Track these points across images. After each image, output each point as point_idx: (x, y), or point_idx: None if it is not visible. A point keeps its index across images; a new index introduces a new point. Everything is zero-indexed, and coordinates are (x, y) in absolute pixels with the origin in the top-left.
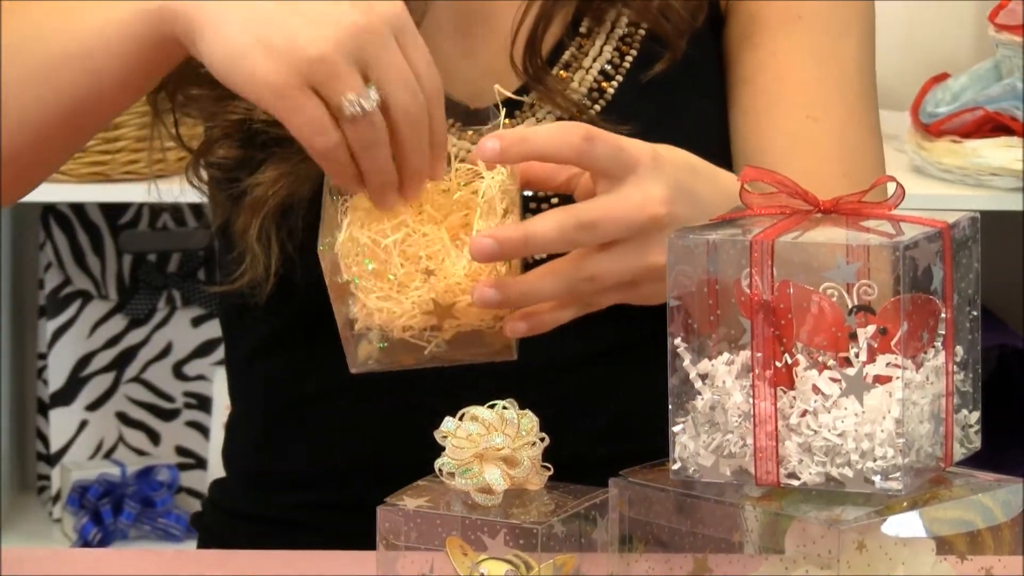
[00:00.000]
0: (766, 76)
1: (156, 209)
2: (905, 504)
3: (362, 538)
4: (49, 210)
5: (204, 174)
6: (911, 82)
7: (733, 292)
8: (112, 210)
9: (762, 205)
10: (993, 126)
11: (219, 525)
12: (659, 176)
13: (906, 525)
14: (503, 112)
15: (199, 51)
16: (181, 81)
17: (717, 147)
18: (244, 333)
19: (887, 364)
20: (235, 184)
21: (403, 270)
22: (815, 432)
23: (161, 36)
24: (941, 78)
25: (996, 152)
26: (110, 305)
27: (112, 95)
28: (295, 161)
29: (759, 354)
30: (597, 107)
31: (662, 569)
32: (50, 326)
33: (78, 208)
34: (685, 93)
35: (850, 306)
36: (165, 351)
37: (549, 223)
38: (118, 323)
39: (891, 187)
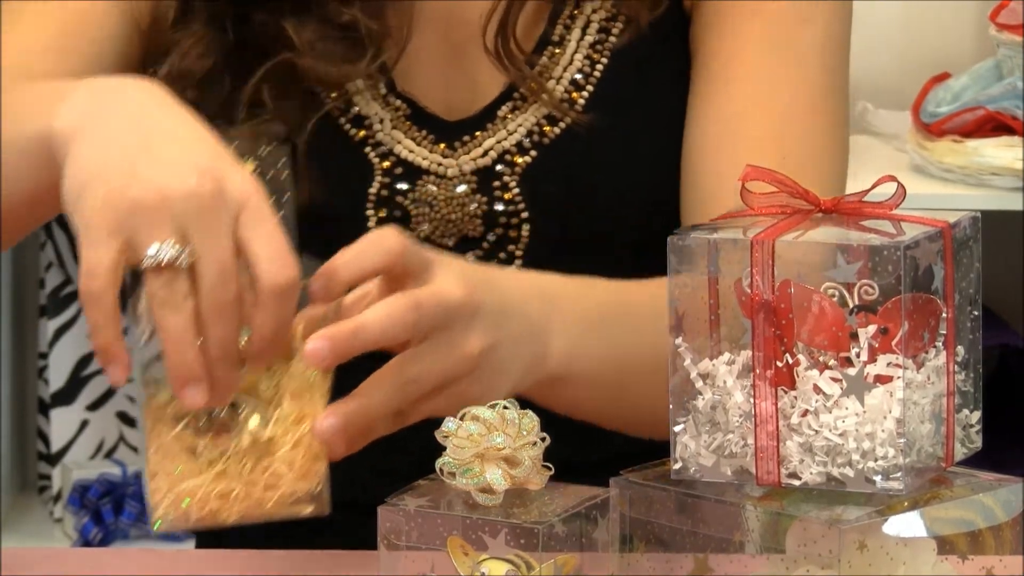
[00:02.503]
0: (716, 63)
1: None
2: (906, 504)
3: (362, 538)
4: None
5: None
6: (912, 82)
7: (734, 292)
8: None
9: (763, 205)
10: (994, 125)
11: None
12: (451, 267)
13: (907, 525)
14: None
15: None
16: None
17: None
18: None
19: (888, 364)
20: None
21: (215, 450)
22: (816, 432)
23: (51, 157)
24: (942, 78)
25: (997, 152)
26: None
27: (29, 199)
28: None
29: (760, 354)
30: (568, 119)
31: (663, 569)
32: (51, 325)
33: None
34: (653, 100)
35: (851, 306)
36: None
37: (380, 310)
38: None
39: (892, 187)
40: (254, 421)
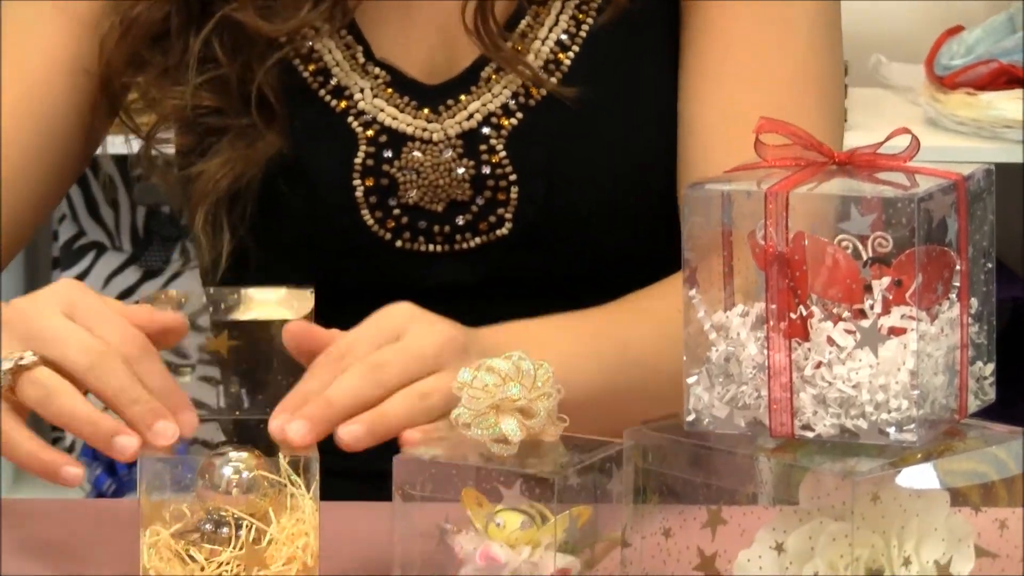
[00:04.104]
0: (709, 40)
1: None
2: (919, 456)
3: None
4: None
5: (164, 163)
6: (926, 35)
7: (748, 244)
8: (126, 162)
9: (777, 157)
10: (1007, 79)
11: None
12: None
13: (920, 477)
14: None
15: None
16: (122, 67)
17: (670, 115)
18: None
19: (902, 316)
20: (188, 168)
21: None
22: (829, 384)
23: None
24: (956, 31)
25: (1010, 104)
26: (124, 256)
27: None
28: (241, 147)
29: (773, 306)
30: (554, 79)
31: (676, 520)
32: (64, 277)
33: (92, 160)
34: (640, 61)
35: (865, 258)
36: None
37: (345, 377)
38: (132, 274)
39: (906, 139)
40: (249, 536)
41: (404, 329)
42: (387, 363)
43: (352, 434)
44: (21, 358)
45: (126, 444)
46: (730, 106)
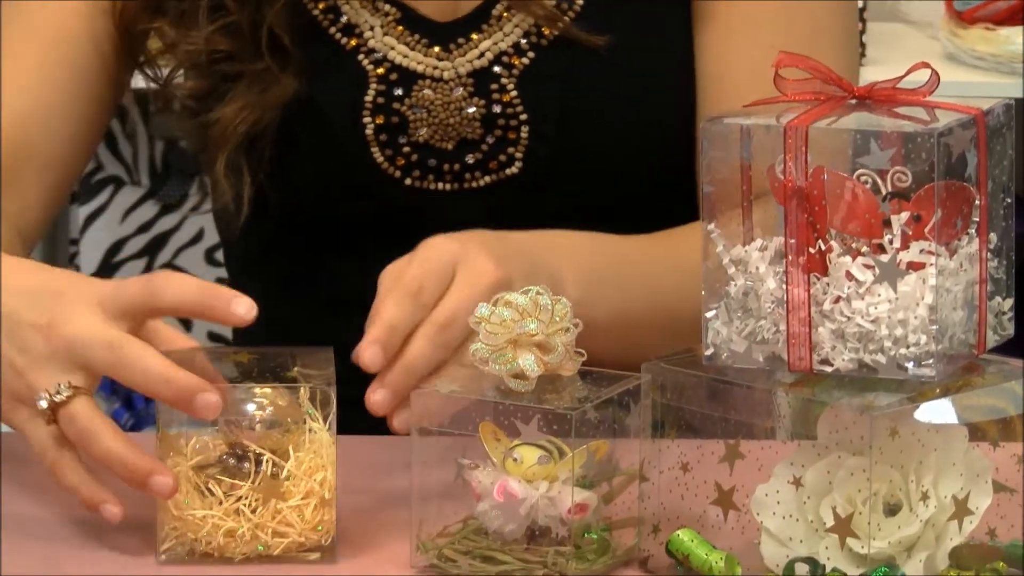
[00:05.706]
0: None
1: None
2: (938, 391)
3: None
4: None
5: (176, 104)
6: None
7: (767, 178)
8: (145, 95)
9: (796, 91)
10: None
11: None
12: (476, 247)
13: (938, 412)
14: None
15: None
16: (138, 12)
17: (683, 60)
18: (228, 255)
19: (921, 251)
20: (205, 114)
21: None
22: (848, 318)
23: None
24: None
25: None
26: (142, 191)
27: None
28: (258, 91)
29: (792, 240)
30: (567, 18)
31: (694, 455)
32: (82, 212)
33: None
34: (654, 3)
35: (884, 192)
36: (197, 237)
37: (417, 343)
38: (150, 209)
39: (925, 74)
40: (268, 471)
41: (455, 269)
42: (455, 321)
43: (380, 402)
44: (57, 392)
45: (162, 484)
46: (749, 59)
